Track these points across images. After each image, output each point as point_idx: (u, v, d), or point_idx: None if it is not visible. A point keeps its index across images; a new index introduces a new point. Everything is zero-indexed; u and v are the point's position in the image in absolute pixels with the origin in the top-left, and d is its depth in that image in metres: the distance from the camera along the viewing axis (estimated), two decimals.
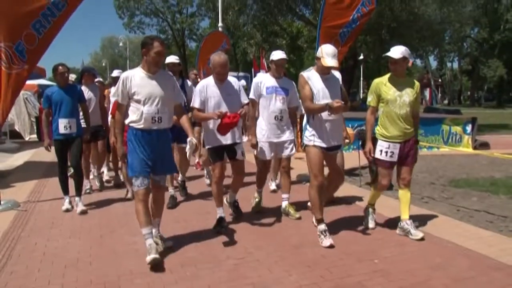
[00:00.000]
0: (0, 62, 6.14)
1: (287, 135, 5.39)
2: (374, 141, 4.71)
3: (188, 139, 4.05)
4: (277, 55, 5.36)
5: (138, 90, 4.01)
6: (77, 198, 5.82)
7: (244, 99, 5.00)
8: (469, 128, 11.72)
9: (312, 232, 4.64)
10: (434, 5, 19.45)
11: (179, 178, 6.61)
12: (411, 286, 3.45)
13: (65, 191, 6.01)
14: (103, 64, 59.83)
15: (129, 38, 51.27)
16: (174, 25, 44.65)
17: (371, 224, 4.93)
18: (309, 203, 5.74)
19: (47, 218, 5.59)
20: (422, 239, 4.45)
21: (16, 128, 16.60)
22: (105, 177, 7.91)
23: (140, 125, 4.04)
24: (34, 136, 16.97)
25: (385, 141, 4.60)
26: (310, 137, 4.53)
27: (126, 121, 4.13)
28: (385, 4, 17.19)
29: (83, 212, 5.73)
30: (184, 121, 4.29)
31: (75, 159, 5.93)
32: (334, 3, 7.57)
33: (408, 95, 4.53)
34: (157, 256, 3.85)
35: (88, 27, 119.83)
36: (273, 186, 6.85)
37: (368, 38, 20.11)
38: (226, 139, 4.82)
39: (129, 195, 6.37)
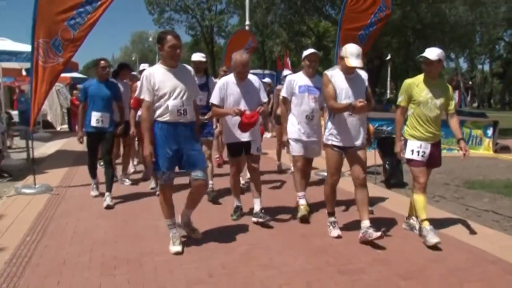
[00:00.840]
0: (38, 56, 6.59)
1: (316, 136, 5.42)
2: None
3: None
4: (309, 50, 5.43)
5: (162, 85, 4.11)
6: (106, 193, 5.90)
7: (264, 98, 5.10)
8: (490, 131, 11.74)
9: (323, 225, 4.91)
10: (464, 6, 19.30)
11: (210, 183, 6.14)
12: (407, 274, 3.72)
13: (93, 175, 6.31)
14: (133, 58, 60.79)
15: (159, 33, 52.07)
16: (203, 21, 45.23)
17: (434, 239, 4.30)
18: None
19: (77, 201, 6.02)
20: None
21: (49, 118, 17.32)
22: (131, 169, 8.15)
23: (166, 118, 4.12)
24: (65, 126, 17.69)
25: (416, 140, 4.58)
26: (329, 136, 4.59)
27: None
28: (411, 6, 17.21)
29: (109, 207, 5.72)
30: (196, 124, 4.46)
31: (106, 154, 6.11)
32: (354, 7, 7.81)
33: (440, 97, 4.53)
34: (180, 249, 4.13)
35: (119, 22, 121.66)
36: None
37: (394, 40, 20.12)
38: (244, 136, 4.99)
39: (152, 185, 6.71)
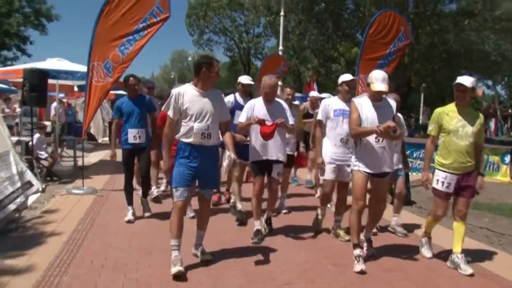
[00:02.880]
0: (92, 77, 7.67)
1: (350, 160, 5.16)
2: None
3: (227, 154, 4.44)
4: (348, 76, 5.51)
5: (190, 105, 4.16)
6: (144, 200, 6.33)
7: (290, 121, 5.29)
8: (507, 158, 12.12)
9: (327, 228, 5.67)
10: (496, 36, 19.72)
11: (232, 200, 6.64)
12: (391, 268, 4.52)
13: (130, 201, 6.05)
14: (172, 76, 62.57)
15: (198, 53, 53.67)
16: (240, 44, 46.60)
17: (428, 254, 4.88)
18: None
19: (118, 203, 6.87)
20: (471, 275, 4.38)
21: (92, 131, 18.59)
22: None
23: (189, 139, 4.19)
24: (106, 139, 18.95)
25: (442, 171, 4.58)
26: (356, 162, 4.62)
27: (177, 136, 4.29)
28: (439, 35, 17.80)
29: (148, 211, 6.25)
30: (227, 137, 4.45)
31: (144, 168, 6.14)
32: (375, 38, 8.54)
33: (471, 125, 4.48)
34: (181, 268, 4.09)
35: (160, 40, 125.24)
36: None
37: (421, 67, 20.69)
38: (267, 155, 5.20)
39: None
